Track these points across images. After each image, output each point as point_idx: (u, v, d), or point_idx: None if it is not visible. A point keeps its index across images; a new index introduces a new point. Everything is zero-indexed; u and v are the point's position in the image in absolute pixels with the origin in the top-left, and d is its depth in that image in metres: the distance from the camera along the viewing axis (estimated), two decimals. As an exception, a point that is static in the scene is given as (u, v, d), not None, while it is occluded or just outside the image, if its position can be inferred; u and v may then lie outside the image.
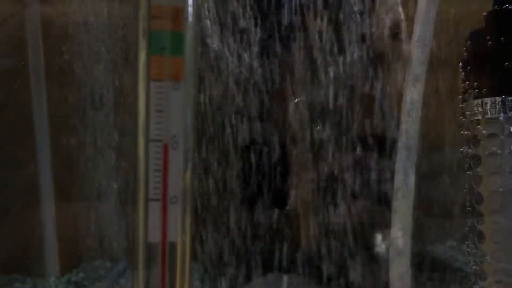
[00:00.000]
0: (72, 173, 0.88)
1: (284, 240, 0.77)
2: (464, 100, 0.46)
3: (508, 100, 0.44)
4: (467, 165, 0.45)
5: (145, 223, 0.29)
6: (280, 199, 0.78)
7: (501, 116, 0.43)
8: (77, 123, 0.86)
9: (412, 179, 0.38)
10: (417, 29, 0.38)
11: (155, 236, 0.29)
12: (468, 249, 0.44)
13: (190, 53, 0.29)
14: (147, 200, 0.29)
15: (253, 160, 0.75)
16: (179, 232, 0.30)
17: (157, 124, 0.29)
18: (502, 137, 0.43)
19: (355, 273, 0.69)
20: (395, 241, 0.37)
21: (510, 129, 0.43)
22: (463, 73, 0.46)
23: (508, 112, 0.44)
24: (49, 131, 0.86)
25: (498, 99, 0.44)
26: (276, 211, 0.78)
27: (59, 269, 0.82)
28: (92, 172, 0.88)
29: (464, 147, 0.45)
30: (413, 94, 0.38)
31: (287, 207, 0.81)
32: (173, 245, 0.30)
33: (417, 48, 0.38)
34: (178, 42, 0.29)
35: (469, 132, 0.45)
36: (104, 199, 0.88)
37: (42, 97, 0.86)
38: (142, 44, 0.28)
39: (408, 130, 0.38)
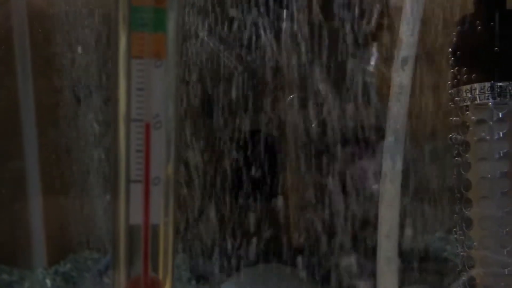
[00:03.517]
0: (60, 165, 0.87)
1: (273, 231, 0.76)
2: (453, 86, 0.45)
3: (497, 85, 0.43)
4: (455, 152, 0.45)
5: (126, 205, 0.28)
6: (269, 190, 0.78)
7: (490, 102, 0.43)
8: (65, 115, 0.85)
9: (399, 164, 0.38)
10: (406, 11, 0.38)
11: (137, 219, 0.28)
12: (456, 236, 0.44)
13: (173, 30, 0.28)
14: (128, 181, 0.28)
15: (243, 150, 0.75)
16: (162, 214, 0.29)
17: (138, 103, 0.28)
18: (491, 123, 0.43)
19: (346, 265, 0.69)
20: (383, 225, 0.37)
21: (499, 115, 0.43)
22: (452, 58, 0.46)
23: (497, 97, 0.43)
24: (36, 123, 0.85)
25: (487, 84, 0.44)
26: (266, 202, 0.78)
27: (46, 260, 0.81)
28: (81, 163, 0.87)
29: (452, 134, 0.45)
30: (401, 77, 0.38)
31: (277, 198, 0.81)
32: (155, 228, 0.29)
33: (406, 31, 0.38)
34: (161, 18, 0.28)
35: (458, 118, 0.45)
36: (92, 191, 0.87)
37: (28, 89, 0.85)
38: (123, 20, 0.27)
39: (396, 114, 0.38)
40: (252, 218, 0.78)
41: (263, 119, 0.76)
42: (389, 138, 0.37)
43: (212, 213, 0.78)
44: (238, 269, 0.77)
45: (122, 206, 0.28)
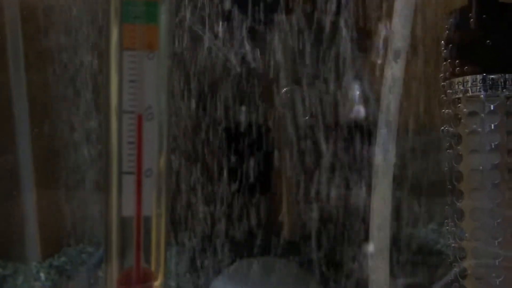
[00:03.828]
0: (53, 159, 0.87)
1: (267, 224, 0.76)
2: (445, 79, 0.46)
3: (488, 78, 0.44)
4: (447, 144, 0.45)
5: (119, 197, 0.28)
6: (264, 183, 0.78)
7: (482, 94, 0.43)
8: (58, 109, 0.84)
9: (392, 155, 0.38)
10: (398, 3, 0.38)
11: (129, 210, 0.28)
12: (447, 227, 0.44)
13: (165, 22, 0.28)
14: (121, 173, 0.28)
15: (237, 143, 0.75)
16: (154, 206, 0.29)
17: (130, 94, 0.28)
18: (483, 115, 0.43)
19: (340, 258, 0.70)
20: (375, 217, 0.37)
21: (490, 107, 0.43)
22: (445, 51, 0.46)
23: (488, 90, 0.43)
24: (29, 117, 0.84)
25: (479, 77, 0.44)
26: (260, 195, 0.78)
27: (40, 253, 0.81)
28: (74, 157, 0.87)
29: (445, 126, 0.45)
30: (394, 70, 0.38)
31: (271, 191, 0.81)
32: (148, 219, 0.29)
33: (399, 23, 0.38)
34: (153, 10, 0.28)
35: (450, 111, 0.45)
36: (86, 184, 0.87)
37: (21, 83, 0.84)
38: (114, 12, 0.27)
39: (388, 106, 0.38)
40: (245, 212, 0.78)
41: (256, 112, 0.76)
42: (381, 130, 0.38)
43: (205, 207, 0.78)
44: (231, 262, 0.77)
45: (114, 198, 0.28)
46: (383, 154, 0.37)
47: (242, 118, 0.76)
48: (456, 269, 0.42)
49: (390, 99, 0.38)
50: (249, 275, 0.72)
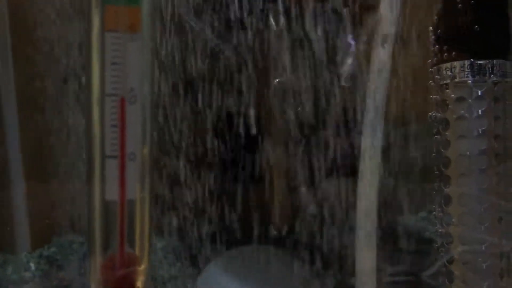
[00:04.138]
0: (43, 149, 0.86)
1: (257, 213, 0.76)
2: (433, 64, 0.46)
3: (476, 64, 0.44)
4: (435, 130, 0.45)
5: (102, 181, 0.28)
6: (253, 171, 0.78)
7: (470, 80, 0.43)
8: (46, 101, 0.84)
9: (379, 140, 0.38)
10: (385, -13, 0.38)
11: (113, 194, 0.28)
12: (435, 213, 0.44)
13: (148, 3, 0.28)
14: (104, 157, 0.28)
15: (226, 130, 0.74)
16: (138, 190, 0.29)
17: (113, 77, 0.28)
18: (470, 100, 0.43)
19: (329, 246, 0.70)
20: (362, 201, 0.37)
21: (478, 93, 0.43)
22: (433, 37, 0.46)
23: (476, 75, 0.43)
24: (17, 109, 0.83)
25: (466, 62, 0.44)
26: (250, 183, 0.78)
27: (30, 244, 0.81)
28: (63, 148, 0.86)
29: (432, 112, 0.45)
30: (381, 54, 0.38)
31: (260, 180, 0.81)
32: (132, 203, 0.29)
33: (386, 8, 0.38)
34: (134, -9, 0.28)
35: (437, 96, 0.45)
36: (76, 175, 0.87)
37: (9, 74, 0.83)
38: (96, -8, 0.27)
39: (376, 91, 0.38)
40: (235, 200, 0.78)
41: (246, 100, 0.75)
42: (369, 115, 0.37)
43: (195, 196, 0.77)
44: (222, 251, 0.77)
45: (97, 182, 0.28)
46: (371, 139, 0.37)
47: (231, 105, 0.75)
48: (443, 254, 0.43)
49: (378, 84, 0.38)
50: (239, 264, 0.72)
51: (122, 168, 0.28)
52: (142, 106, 0.28)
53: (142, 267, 0.29)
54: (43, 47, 0.83)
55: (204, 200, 0.79)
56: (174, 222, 0.79)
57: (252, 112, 0.73)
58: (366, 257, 0.37)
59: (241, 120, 0.73)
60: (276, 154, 0.79)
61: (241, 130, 0.73)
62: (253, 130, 0.74)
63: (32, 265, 0.76)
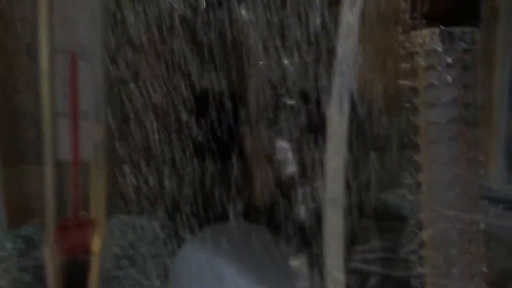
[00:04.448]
0: (19, 130, 0.85)
1: (236, 189, 0.76)
2: (404, 32, 0.45)
3: (447, 31, 0.43)
4: (405, 97, 0.45)
5: (53, 140, 0.27)
6: (232, 149, 0.77)
7: (440, 47, 0.43)
8: (20, 82, 0.82)
9: (346, 106, 0.37)
10: None
11: (65, 154, 0.28)
12: (405, 180, 0.44)
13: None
14: (55, 115, 0.27)
15: (207, 108, 0.74)
16: (93, 151, 0.28)
17: (63, 34, 0.27)
18: (440, 68, 0.43)
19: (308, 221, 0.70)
20: (329, 167, 0.37)
21: (448, 60, 0.43)
22: (404, 4, 0.45)
23: (446, 43, 0.43)
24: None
25: (436, 30, 0.43)
26: (229, 160, 0.77)
27: (7, 223, 0.80)
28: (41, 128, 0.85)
29: (402, 80, 0.45)
30: (349, 18, 0.37)
31: (240, 157, 0.80)
32: (86, 165, 0.28)
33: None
34: None
35: (407, 64, 0.45)
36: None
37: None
38: None
39: (343, 56, 0.37)
40: (215, 178, 0.78)
41: (225, 78, 0.75)
42: (337, 81, 0.37)
43: (175, 174, 0.77)
44: (202, 227, 0.77)
45: (48, 141, 0.27)
46: (338, 105, 0.37)
47: (211, 83, 0.74)
48: (413, 222, 0.43)
49: (345, 48, 0.37)
50: (217, 241, 0.72)
51: (75, 127, 0.27)
52: (94, 62, 0.27)
53: (98, 231, 0.29)
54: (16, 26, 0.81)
55: (181, 175, 0.77)
56: (153, 199, 0.79)
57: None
58: (333, 221, 0.37)
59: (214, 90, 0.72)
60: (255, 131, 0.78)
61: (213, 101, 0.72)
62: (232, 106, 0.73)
63: (8, 244, 0.75)
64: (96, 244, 0.28)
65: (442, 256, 0.41)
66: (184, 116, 0.73)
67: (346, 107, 0.37)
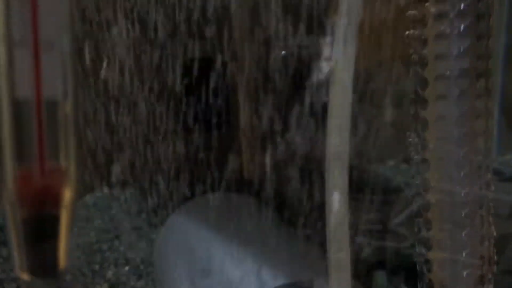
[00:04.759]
0: None
1: (226, 162, 0.73)
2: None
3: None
4: (412, 48, 0.41)
5: (10, 74, 0.23)
6: (221, 120, 0.75)
7: (451, -6, 0.39)
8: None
9: (352, 49, 0.33)
10: None
11: (25, 90, 0.23)
12: (410, 139, 0.41)
13: None
14: (11, 44, 0.23)
15: (196, 78, 0.70)
16: (58, 88, 0.24)
17: None
18: (452, 16, 0.39)
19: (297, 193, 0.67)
20: (333, 117, 0.33)
21: (460, 7, 0.39)
22: None
23: (458, -12, 0.39)
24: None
25: (449, -27, 0.39)
26: (218, 132, 0.75)
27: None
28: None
29: (410, 30, 0.41)
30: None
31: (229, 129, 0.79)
32: (52, 104, 0.24)
33: None
34: None
35: (416, 12, 0.41)
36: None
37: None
38: None
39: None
40: (203, 149, 0.76)
41: (216, 52, 0.71)
42: (341, 21, 0.33)
43: (164, 147, 0.75)
44: (188, 199, 0.75)
45: (3, 76, 0.23)
46: (343, 47, 0.33)
47: (200, 53, 0.72)
48: (417, 182, 0.39)
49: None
50: (207, 210, 0.69)
51: (36, 59, 0.23)
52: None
53: (69, 180, 0.25)
54: None
55: (170, 148, 0.75)
56: (138, 171, 0.76)
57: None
58: (336, 177, 0.33)
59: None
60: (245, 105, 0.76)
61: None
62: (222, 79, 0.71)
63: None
64: (66, 196, 0.24)
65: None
66: (172, 87, 0.70)
67: (352, 51, 0.33)
